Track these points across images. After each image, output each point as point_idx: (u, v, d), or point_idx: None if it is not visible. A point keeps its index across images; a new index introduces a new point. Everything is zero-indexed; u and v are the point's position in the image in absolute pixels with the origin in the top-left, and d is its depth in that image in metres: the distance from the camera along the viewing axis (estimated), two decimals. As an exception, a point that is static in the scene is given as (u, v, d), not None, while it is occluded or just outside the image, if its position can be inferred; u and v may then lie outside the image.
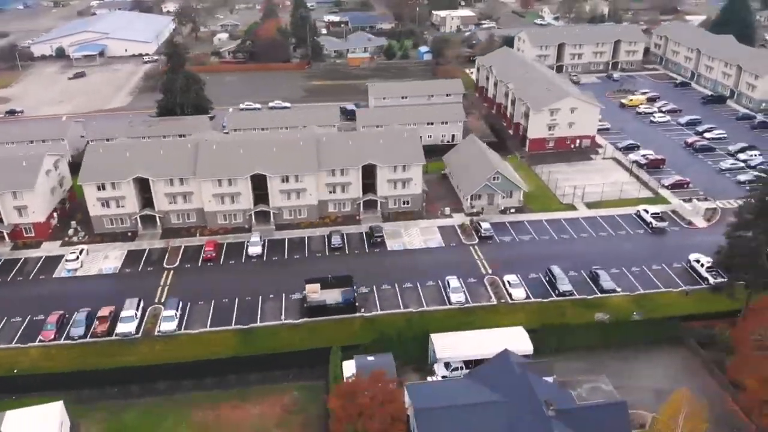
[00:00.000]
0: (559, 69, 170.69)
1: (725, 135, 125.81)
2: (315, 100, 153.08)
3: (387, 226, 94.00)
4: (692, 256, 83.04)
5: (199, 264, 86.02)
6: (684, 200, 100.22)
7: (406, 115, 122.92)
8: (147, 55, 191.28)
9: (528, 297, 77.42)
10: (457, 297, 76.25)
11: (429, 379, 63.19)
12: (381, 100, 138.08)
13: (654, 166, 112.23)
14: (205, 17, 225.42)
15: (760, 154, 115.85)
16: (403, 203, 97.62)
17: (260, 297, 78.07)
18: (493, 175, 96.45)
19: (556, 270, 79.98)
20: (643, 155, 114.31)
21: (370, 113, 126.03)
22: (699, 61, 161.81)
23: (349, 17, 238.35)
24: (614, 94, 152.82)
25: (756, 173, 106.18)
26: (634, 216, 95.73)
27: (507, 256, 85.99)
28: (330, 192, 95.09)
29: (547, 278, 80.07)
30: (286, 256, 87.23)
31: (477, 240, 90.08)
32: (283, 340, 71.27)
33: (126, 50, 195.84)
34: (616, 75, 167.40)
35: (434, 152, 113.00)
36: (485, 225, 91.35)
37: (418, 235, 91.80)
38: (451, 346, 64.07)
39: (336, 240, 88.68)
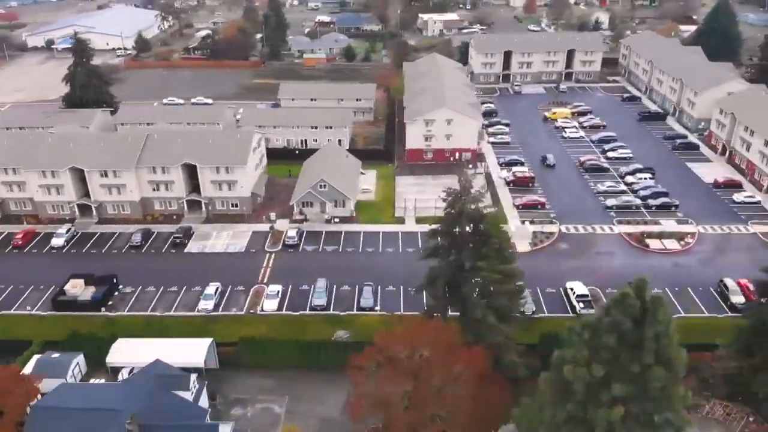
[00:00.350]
0: (506, 78, 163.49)
1: (631, 155, 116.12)
2: (246, 98, 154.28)
3: (205, 227, 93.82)
4: (477, 282, 77.59)
5: (6, 251, 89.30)
6: (523, 222, 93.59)
7: (291, 118, 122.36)
8: (120, 49, 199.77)
9: (280, 309, 75.03)
10: (205, 304, 74.95)
11: (94, 381, 62.67)
12: (290, 100, 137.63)
13: (521, 184, 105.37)
14: (190, 14, 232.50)
15: (651, 178, 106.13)
16: (232, 205, 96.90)
17: (32, 286, 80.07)
18: (318, 183, 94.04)
19: (319, 283, 77.13)
20: (513, 172, 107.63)
21: (256, 113, 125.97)
22: (652, 74, 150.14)
23: (338, 18, 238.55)
24: (546, 106, 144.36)
25: (627, 198, 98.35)
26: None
27: (297, 266, 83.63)
28: (153, 189, 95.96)
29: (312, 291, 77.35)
30: (84, 250, 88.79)
31: (279, 248, 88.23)
32: (23, 329, 72.76)
33: (107, 44, 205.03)
34: (563, 86, 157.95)
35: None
36: (290, 233, 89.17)
37: (226, 239, 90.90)
38: (124, 352, 63.24)
39: (135, 238, 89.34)
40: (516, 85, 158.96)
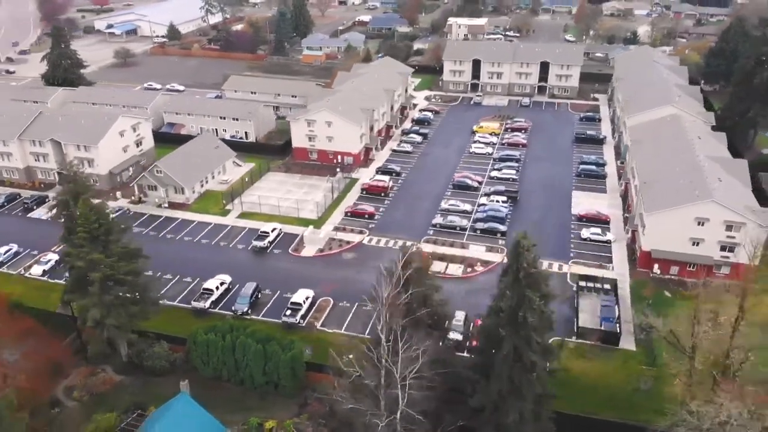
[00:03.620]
0: (475, 87, 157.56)
1: (514, 176, 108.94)
2: (222, 87, 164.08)
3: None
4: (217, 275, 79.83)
5: None
6: (337, 228, 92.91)
7: (204, 107, 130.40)
8: (156, 36, 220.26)
9: (43, 275, 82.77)
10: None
11: None
12: (233, 92, 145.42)
13: (374, 192, 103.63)
14: (235, 7, 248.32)
15: (506, 202, 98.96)
16: (93, 181, 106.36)
17: None
18: (155, 168, 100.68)
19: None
20: (370, 180, 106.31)
21: (178, 100, 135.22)
22: (617, 93, 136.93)
23: (373, 18, 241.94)
24: (490, 119, 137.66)
25: (451, 218, 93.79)
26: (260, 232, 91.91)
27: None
28: (35, 160, 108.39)
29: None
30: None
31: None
32: None
33: (153, 31, 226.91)
34: (526, 100, 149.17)
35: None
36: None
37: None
38: None
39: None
40: (477, 96, 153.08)
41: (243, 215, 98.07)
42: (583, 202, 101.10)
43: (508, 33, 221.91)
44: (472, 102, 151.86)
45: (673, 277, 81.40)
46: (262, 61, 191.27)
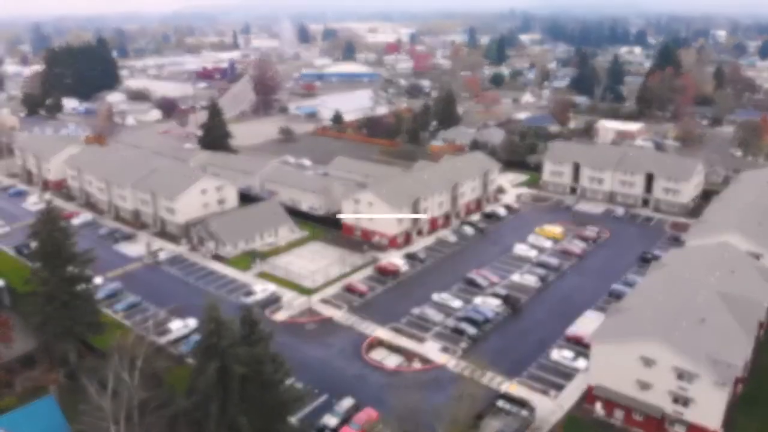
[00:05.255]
0: (574, 191, 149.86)
1: (532, 284, 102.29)
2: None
3: (148, 237, 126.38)
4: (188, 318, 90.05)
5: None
6: (324, 300, 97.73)
7: (291, 180, 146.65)
8: (324, 120, 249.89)
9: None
10: None
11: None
12: (335, 170, 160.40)
13: (384, 274, 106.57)
14: (400, 99, 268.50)
15: (498, 306, 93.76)
16: (175, 228, 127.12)
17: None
18: (207, 224, 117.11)
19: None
20: (388, 261, 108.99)
21: (280, 171, 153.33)
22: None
23: (527, 117, 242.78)
24: (571, 224, 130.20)
25: (428, 311, 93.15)
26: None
27: (135, 274, 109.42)
28: (141, 204, 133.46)
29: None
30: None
31: (150, 260, 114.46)
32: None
33: (326, 116, 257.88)
34: (619, 211, 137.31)
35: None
36: (161, 253, 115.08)
37: (140, 247, 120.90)
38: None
39: (102, 231, 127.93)
40: (569, 200, 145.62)
41: (259, 275, 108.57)
42: (589, 324, 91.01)
43: (665, 141, 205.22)
44: (562, 205, 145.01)
45: (616, 422, 69.86)
46: (395, 147, 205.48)
